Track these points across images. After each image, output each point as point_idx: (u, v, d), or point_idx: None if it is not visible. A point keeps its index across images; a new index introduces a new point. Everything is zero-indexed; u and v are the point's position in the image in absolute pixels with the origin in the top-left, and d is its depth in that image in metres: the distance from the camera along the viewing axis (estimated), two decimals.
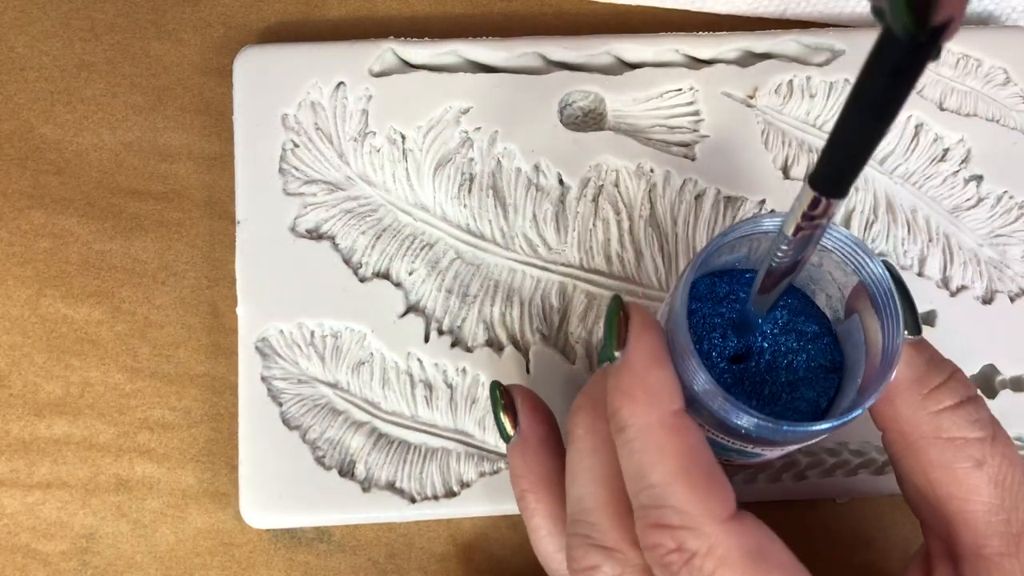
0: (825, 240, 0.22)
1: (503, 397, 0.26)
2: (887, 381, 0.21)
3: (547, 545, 0.25)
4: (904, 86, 0.15)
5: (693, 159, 0.32)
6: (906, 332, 0.22)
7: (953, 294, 0.31)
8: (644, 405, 0.21)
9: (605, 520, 0.22)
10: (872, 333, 0.22)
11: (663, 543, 0.20)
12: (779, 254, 0.20)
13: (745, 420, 0.21)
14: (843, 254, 0.22)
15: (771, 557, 0.20)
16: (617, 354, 0.21)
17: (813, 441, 0.24)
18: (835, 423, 0.21)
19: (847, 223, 0.32)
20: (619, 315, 0.22)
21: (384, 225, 0.31)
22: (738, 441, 0.23)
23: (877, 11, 0.14)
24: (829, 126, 0.32)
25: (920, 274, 0.32)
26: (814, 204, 0.18)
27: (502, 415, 0.26)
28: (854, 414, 0.21)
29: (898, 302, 0.21)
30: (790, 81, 0.33)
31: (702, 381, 0.21)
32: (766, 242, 0.23)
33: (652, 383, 0.21)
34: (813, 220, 0.19)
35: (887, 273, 0.22)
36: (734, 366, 0.24)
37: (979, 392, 0.23)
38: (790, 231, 0.20)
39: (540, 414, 0.26)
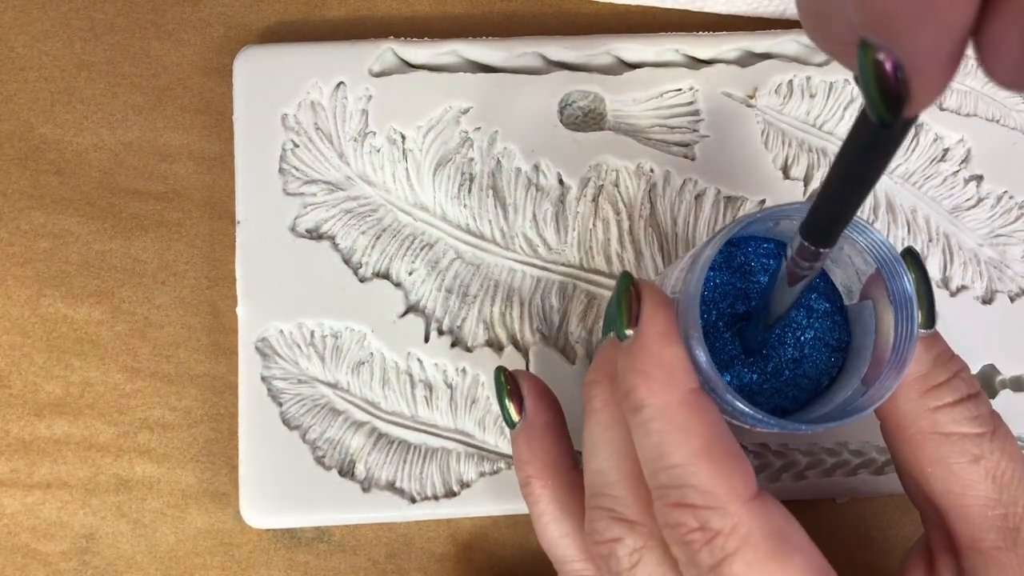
0: (860, 240, 0.22)
1: (508, 383, 0.26)
2: (894, 386, 0.21)
3: (553, 531, 0.25)
4: (881, 158, 0.16)
5: (693, 159, 0.32)
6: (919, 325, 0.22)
7: (953, 294, 0.31)
8: (662, 384, 0.20)
9: (628, 493, 0.22)
10: (884, 325, 0.22)
11: (685, 522, 0.20)
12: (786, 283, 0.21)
13: (749, 418, 0.21)
14: (875, 255, 0.22)
15: (791, 538, 0.20)
16: (628, 332, 0.21)
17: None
18: (840, 422, 0.21)
19: None
20: (630, 292, 0.21)
21: (384, 225, 0.31)
22: (736, 421, 0.23)
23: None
24: (829, 126, 0.32)
25: None
26: (804, 252, 0.19)
27: (507, 401, 0.26)
28: (857, 416, 0.21)
29: (916, 314, 0.21)
30: (790, 81, 0.33)
31: (704, 367, 0.21)
32: (788, 221, 0.23)
33: (668, 362, 0.20)
34: (803, 266, 0.20)
35: (913, 292, 0.22)
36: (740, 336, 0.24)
37: (981, 390, 0.23)
38: (781, 274, 0.21)
39: (545, 400, 0.26)
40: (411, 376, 0.30)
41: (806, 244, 0.19)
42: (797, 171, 0.32)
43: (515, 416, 0.26)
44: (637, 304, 0.21)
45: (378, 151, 0.32)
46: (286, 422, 0.30)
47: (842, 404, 0.23)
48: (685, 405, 0.20)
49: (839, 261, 0.24)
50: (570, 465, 0.25)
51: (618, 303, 0.22)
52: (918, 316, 0.21)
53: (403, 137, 0.32)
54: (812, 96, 0.33)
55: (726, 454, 0.20)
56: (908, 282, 0.22)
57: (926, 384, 0.22)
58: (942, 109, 0.33)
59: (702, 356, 0.21)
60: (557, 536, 0.25)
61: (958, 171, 0.32)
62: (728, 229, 0.22)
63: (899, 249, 0.23)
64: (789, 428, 0.21)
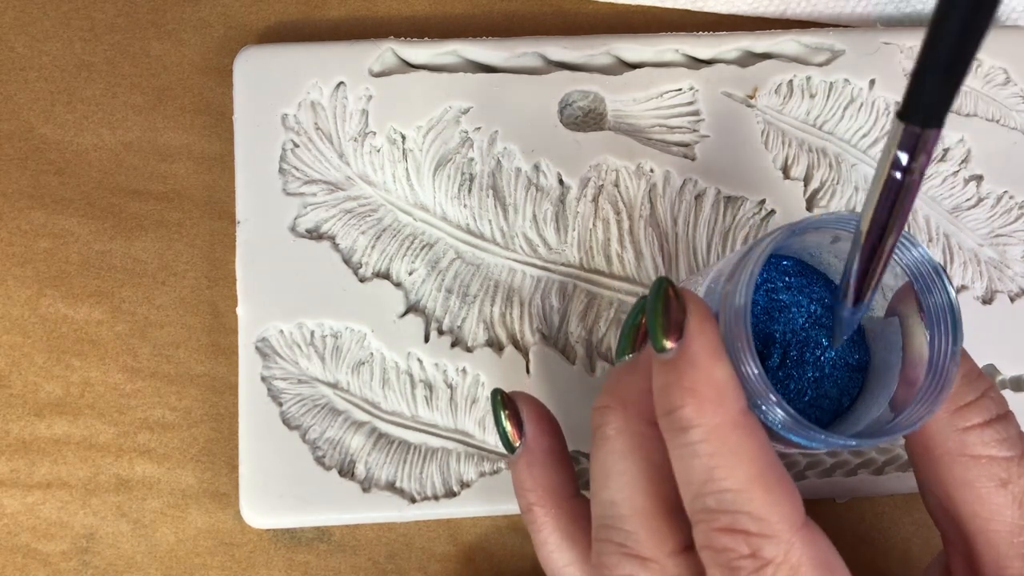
0: (895, 258, 0.21)
1: (506, 406, 0.25)
2: (936, 406, 0.20)
3: (556, 560, 0.24)
4: None
5: (693, 159, 0.32)
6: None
7: None
8: (713, 404, 0.19)
9: (641, 528, 0.21)
10: (914, 343, 0.21)
11: (735, 548, 0.19)
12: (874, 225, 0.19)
13: (796, 434, 0.20)
14: (910, 269, 0.21)
15: (837, 570, 0.19)
16: (669, 344, 0.20)
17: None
18: (881, 439, 0.20)
19: None
20: (671, 301, 0.20)
21: (384, 225, 0.31)
22: (775, 440, 0.22)
23: None
24: (829, 126, 0.32)
25: None
26: (907, 140, 0.17)
27: (506, 424, 0.25)
28: (898, 434, 0.20)
29: (956, 332, 0.20)
30: (790, 81, 0.33)
31: (756, 381, 0.20)
32: (820, 236, 0.22)
33: (719, 379, 0.19)
34: (912, 163, 0.17)
35: (954, 307, 0.21)
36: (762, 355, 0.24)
37: (1010, 409, 0.22)
38: (879, 188, 0.18)
39: (545, 423, 0.25)
40: (411, 376, 0.30)
41: (910, 128, 0.17)
42: (797, 171, 0.32)
43: (514, 441, 0.25)
44: (679, 313, 0.20)
45: (378, 151, 0.32)
46: (286, 422, 0.30)
47: (875, 424, 0.22)
48: (738, 427, 0.19)
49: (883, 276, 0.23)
50: (573, 492, 0.25)
51: (655, 311, 0.20)
52: (959, 334, 0.20)
53: (403, 137, 0.32)
54: (812, 96, 0.33)
55: (779, 480, 0.19)
56: (948, 297, 0.20)
57: (954, 404, 0.21)
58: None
59: (754, 370, 0.20)
60: (561, 565, 0.24)
61: (958, 171, 0.32)
62: (774, 237, 0.21)
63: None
64: (837, 445, 0.20)
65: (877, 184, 0.18)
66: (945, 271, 0.21)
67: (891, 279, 0.22)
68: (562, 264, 0.31)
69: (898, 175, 0.18)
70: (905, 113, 0.17)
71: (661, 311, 0.20)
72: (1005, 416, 0.22)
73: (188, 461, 0.31)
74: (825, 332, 0.24)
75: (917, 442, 0.22)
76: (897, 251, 0.21)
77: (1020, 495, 0.21)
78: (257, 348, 0.30)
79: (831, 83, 0.33)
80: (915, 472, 0.23)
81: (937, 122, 0.17)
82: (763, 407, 0.20)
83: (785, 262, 0.24)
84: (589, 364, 0.30)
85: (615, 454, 0.22)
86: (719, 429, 0.19)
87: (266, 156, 0.31)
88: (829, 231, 0.22)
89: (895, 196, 0.18)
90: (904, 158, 0.17)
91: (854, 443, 0.20)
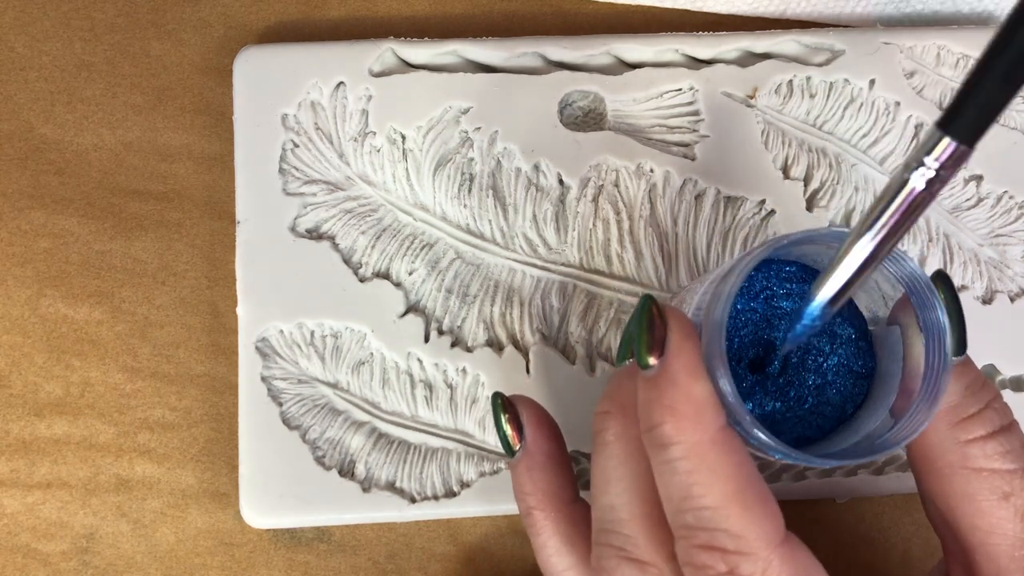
0: (889, 267, 0.21)
1: (506, 410, 0.25)
2: (926, 421, 0.20)
3: (556, 564, 0.24)
4: None
5: (693, 159, 0.32)
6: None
7: None
8: (691, 422, 0.19)
9: (640, 533, 0.21)
10: (913, 353, 0.21)
11: (713, 565, 0.19)
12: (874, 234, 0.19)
13: (774, 452, 0.20)
14: (905, 283, 0.21)
15: None
16: (652, 361, 0.20)
17: None
18: (869, 457, 0.21)
19: (848, 223, 0.32)
20: (654, 319, 0.20)
21: (384, 225, 0.31)
22: (759, 452, 0.22)
23: None
24: (829, 126, 0.32)
25: None
26: (944, 153, 0.17)
27: (506, 428, 0.25)
28: (887, 452, 0.20)
29: (949, 346, 0.20)
30: (790, 81, 0.33)
31: (730, 400, 0.20)
32: (815, 245, 0.21)
33: (697, 398, 0.20)
34: (938, 174, 0.17)
35: (946, 323, 0.21)
36: (764, 362, 0.23)
37: (1014, 420, 0.22)
38: (892, 192, 0.18)
39: (545, 428, 0.25)
40: (411, 376, 0.30)
41: (948, 139, 0.17)
42: (797, 171, 0.32)
43: (514, 444, 0.25)
44: (661, 330, 0.20)
45: (378, 151, 0.32)
46: (286, 422, 0.30)
47: (870, 436, 0.22)
48: (716, 444, 0.19)
49: (864, 285, 0.23)
50: (572, 496, 0.25)
51: (639, 328, 0.20)
52: (951, 348, 0.20)
53: (403, 137, 0.32)
54: (812, 96, 0.33)
55: (757, 497, 0.19)
56: (941, 312, 0.21)
57: (956, 416, 0.21)
58: (942, 109, 0.33)
59: (728, 388, 0.20)
60: (560, 569, 0.24)
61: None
62: (756, 254, 0.21)
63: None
64: (816, 463, 0.20)
65: (891, 188, 0.18)
66: (946, 286, 0.21)
67: (890, 288, 0.22)
68: (562, 264, 0.31)
69: (920, 183, 0.18)
70: (946, 124, 0.17)
71: (645, 328, 0.20)
72: (1009, 428, 0.22)
73: (188, 461, 0.31)
74: (828, 339, 0.23)
75: (918, 453, 0.22)
76: (892, 264, 0.21)
77: (1022, 508, 0.21)
78: (257, 348, 0.30)
79: (831, 83, 0.33)
80: (916, 482, 0.23)
81: (973, 140, 0.17)
82: (742, 424, 0.20)
83: (788, 268, 0.24)
84: (589, 364, 0.30)
85: (614, 459, 0.22)
86: (697, 447, 0.19)
87: (266, 156, 0.31)
88: (821, 244, 0.21)
89: (910, 204, 0.18)
90: (932, 168, 0.17)
91: (835, 462, 0.20)
